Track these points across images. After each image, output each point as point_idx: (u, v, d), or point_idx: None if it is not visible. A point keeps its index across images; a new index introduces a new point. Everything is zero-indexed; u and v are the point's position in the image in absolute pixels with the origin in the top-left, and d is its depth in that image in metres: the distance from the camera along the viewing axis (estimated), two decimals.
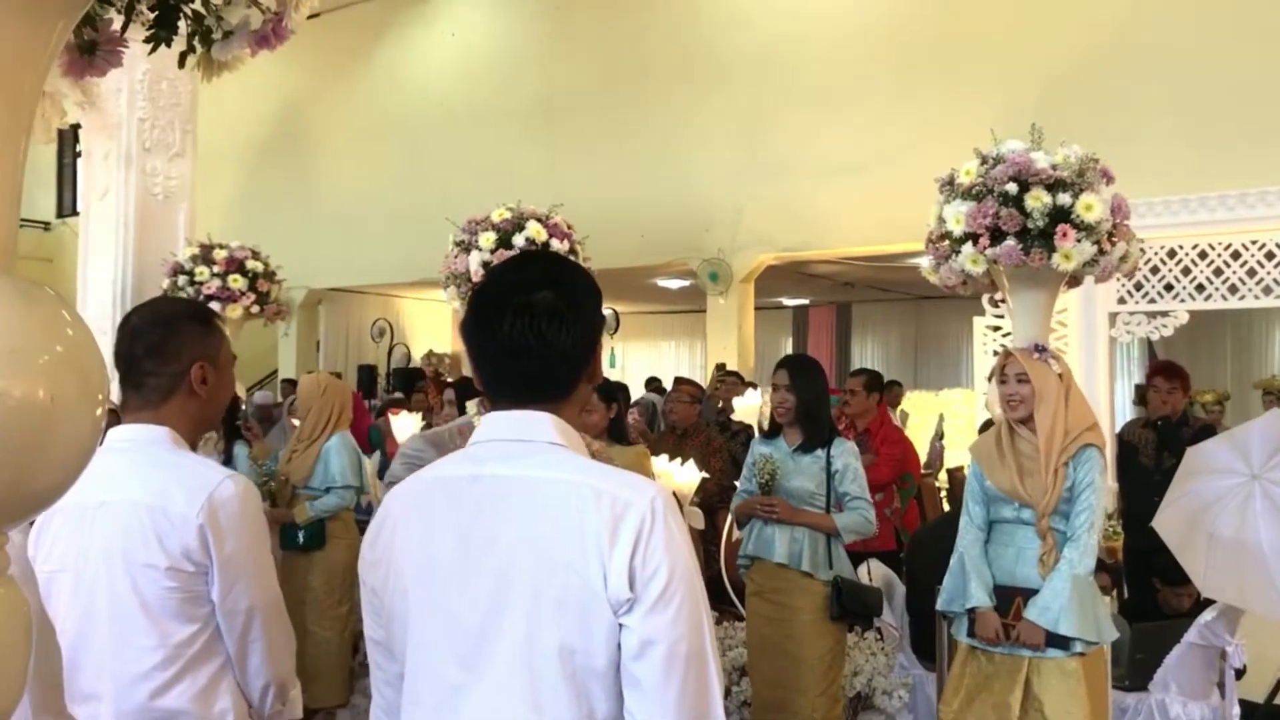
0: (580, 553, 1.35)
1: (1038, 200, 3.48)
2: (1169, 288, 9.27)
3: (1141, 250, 3.73)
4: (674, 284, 13.11)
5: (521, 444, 1.46)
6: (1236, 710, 3.83)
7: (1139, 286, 9.41)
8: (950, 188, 3.76)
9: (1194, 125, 9.00)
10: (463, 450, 1.52)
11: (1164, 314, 9.30)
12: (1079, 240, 3.48)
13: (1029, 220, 3.51)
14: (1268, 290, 8.86)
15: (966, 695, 3.15)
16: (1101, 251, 3.54)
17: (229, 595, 1.90)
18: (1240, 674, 4.47)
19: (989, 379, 3.56)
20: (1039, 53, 9.33)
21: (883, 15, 10.10)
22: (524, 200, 4.99)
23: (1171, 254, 9.26)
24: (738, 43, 10.83)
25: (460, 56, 12.73)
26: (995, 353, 7.45)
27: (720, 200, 10.89)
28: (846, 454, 3.53)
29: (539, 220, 4.72)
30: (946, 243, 3.75)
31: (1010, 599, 3.08)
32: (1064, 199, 3.49)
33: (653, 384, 11.56)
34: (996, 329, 9.21)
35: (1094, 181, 3.54)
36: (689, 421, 5.61)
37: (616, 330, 15.49)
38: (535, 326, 1.45)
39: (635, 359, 16.72)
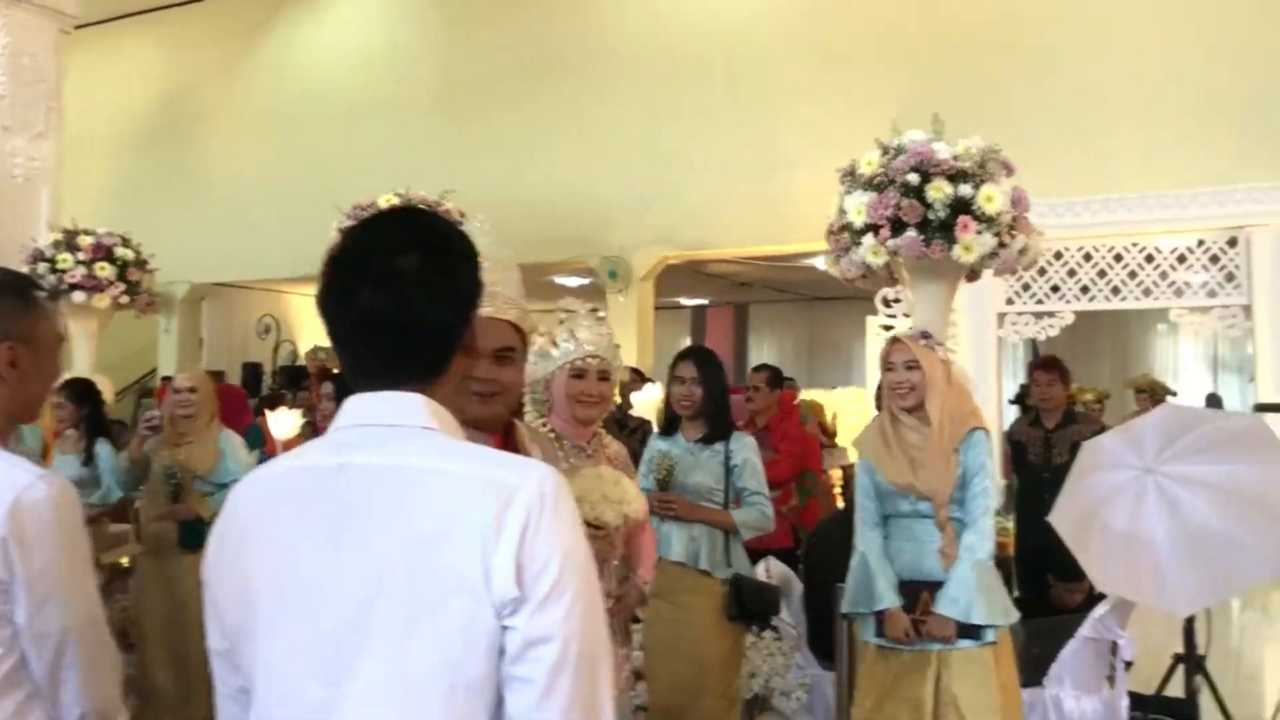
0: (462, 552, 1.19)
1: (939, 191, 3.45)
2: (1055, 289, 9.50)
3: (1039, 240, 3.70)
4: (573, 282, 12.95)
5: (392, 429, 1.29)
6: (1125, 702, 3.85)
7: (1026, 287, 9.61)
8: (851, 178, 3.71)
9: (1080, 129, 9.23)
10: (324, 437, 1.35)
11: (1050, 314, 9.53)
12: (979, 232, 3.45)
13: (930, 211, 3.48)
14: (1147, 292, 9.13)
15: (878, 695, 3.10)
16: (1002, 244, 3.52)
17: (38, 617, 1.63)
18: (1128, 666, 4.54)
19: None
20: (936, 56, 9.46)
21: (786, 16, 10.13)
22: (421, 194, 4.81)
23: (1058, 256, 9.47)
24: (639, 37, 10.74)
25: (354, 45, 12.36)
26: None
27: (621, 197, 10.79)
28: (746, 449, 3.44)
29: (427, 205, 4.52)
30: (847, 234, 3.69)
31: (916, 594, 3.04)
32: (965, 190, 3.47)
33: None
34: (888, 328, 9.30)
35: (995, 173, 3.52)
36: None
37: None
38: (400, 295, 1.29)
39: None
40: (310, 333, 14.49)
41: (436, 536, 1.21)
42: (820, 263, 3.91)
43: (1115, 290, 9.29)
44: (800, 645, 4.07)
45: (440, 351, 1.33)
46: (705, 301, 16.10)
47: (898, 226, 3.51)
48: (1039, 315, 9.59)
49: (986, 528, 3.00)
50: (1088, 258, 9.39)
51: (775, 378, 5.35)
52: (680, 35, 10.52)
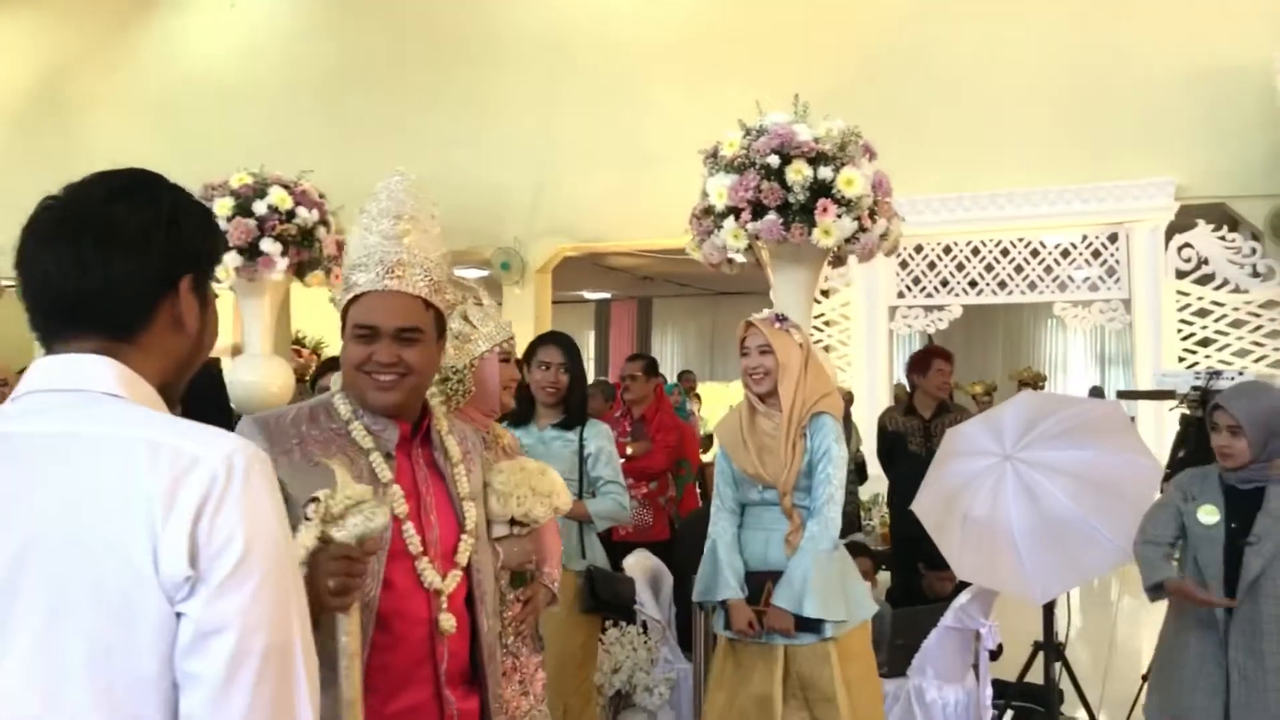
0: (124, 526, 1.04)
1: (798, 173, 3.38)
2: (945, 283, 9.63)
3: (902, 228, 3.65)
4: (471, 274, 12.71)
5: (70, 394, 1.14)
6: (989, 691, 3.85)
7: (917, 281, 9.74)
8: (714, 160, 3.62)
9: (968, 126, 9.33)
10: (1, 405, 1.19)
11: (940, 308, 9.66)
12: (840, 215, 3.39)
13: (790, 194, 3.40)
14: (1033, 286, 9.31)
15: (729, 689, 3.00)
16: (862, 228, 3.46)
17: None
18: (996, 655, 4.55)
19: None
20: (829, 51, 9.47)
21: (684, 6, 10.07)
22: (307, 182, 4.60)
23: (948, 250, 9.61)
24: (534, 25, 10.57)
25: (240, 28, 11.93)
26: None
27: (516, 188, 10.60)
28: (600, 436, 3.31)
29: (284, 186, 4.32)
30: (710, 218, 3.60)
31: (762, 584, 2.93)
32: (825, 173, 3.40)
33: None
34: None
35: (855, 156, 3.46)
36: None
37: None
38: (95, 248, 1.16)
39: None
40: None
41: (92, 505, 1.06)
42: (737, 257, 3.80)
43: (1002, 284, 9.46)
44: (667, 639, 3.97)
45: (129, 314, 1.19)
46: (608, 295, 16.00)
47: (759, 210, 3.42)
48: (928, 309, 9.72)
49: (831, 516, 2.90)
50: (976, 252, 9.54)
51: (651, 366, 5.26)
52: (575, 24, 10.39)
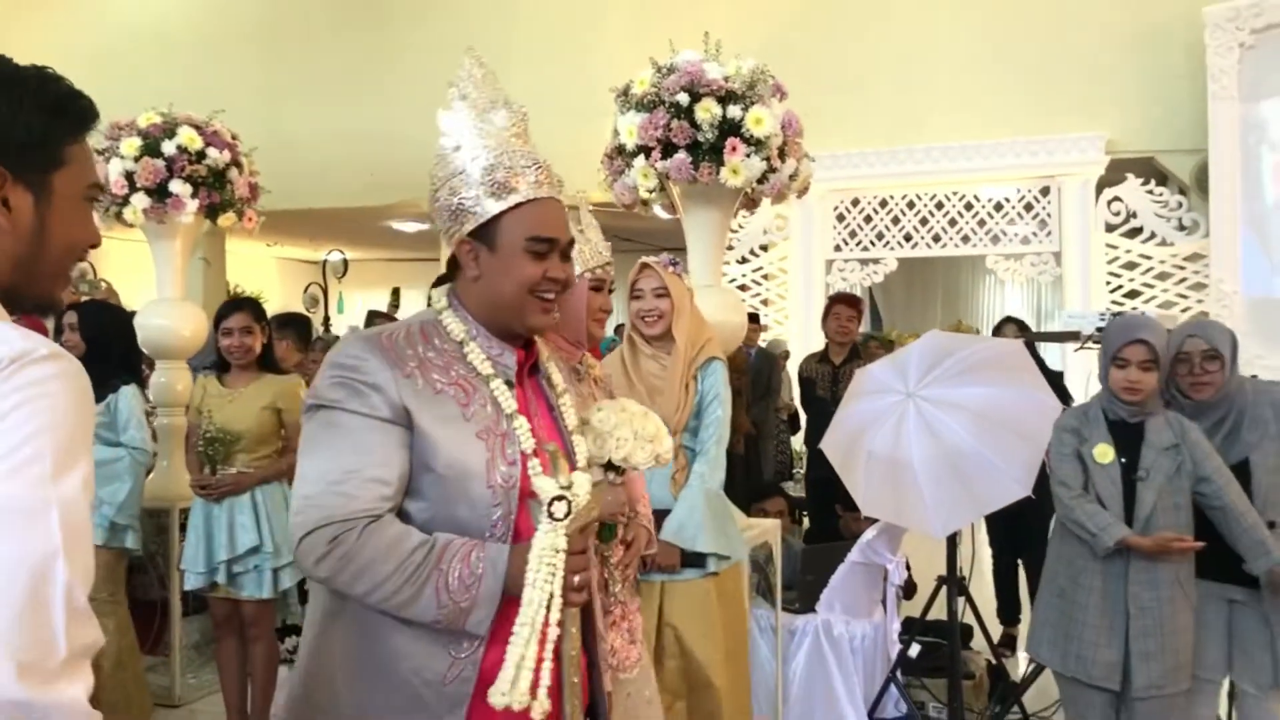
0: None
1: (707, 112, 3.36)
2: (880, 236, 9.70)
3: (810, 165, 3.66)
4: (409, 227, 12.59)
5: None
6: (896, 625, 3.92)
7: (853, 235, 9.79)
8: (625, 98, 3.59)
9: (904, 81, 9.36)
10: None
11: (875, 261, 9.73)
12: (748, 155, 3.38)
13: (699, 133, 3.39)
14: (966, 239, 9.40)
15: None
16: (771, 168, 3.46)
17: None
18: (910, 592, 4.65)
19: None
20: (762, 6, 9.43)
21: None
22: (242, 134, 4.49)
23: (884, 204, 9.67)
24: None
25: None
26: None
27: None
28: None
29: (195, 126, 4.22)
30: (621, 157, 3.59)
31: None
32: (734, 112, 3.39)
33: (376, 317, 11.00)
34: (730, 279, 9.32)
35: (765, 95, 3.45)
36: None
37: (345, 275, 14.79)
38: None
39: (370, 307, 16.09)
40: (131, 277, 13.72)
41: None
42: (661, 210, 3.78)
43: (936, 238, 9.54)
44: None
45: None
46: None
47: (668, 149, 3.41)
48: (865, 262, 9.79)
49: (717, 457, 2.93)
50: (911, 206, 9.61)
51: None
52: None
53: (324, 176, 10.64)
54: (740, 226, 9.48)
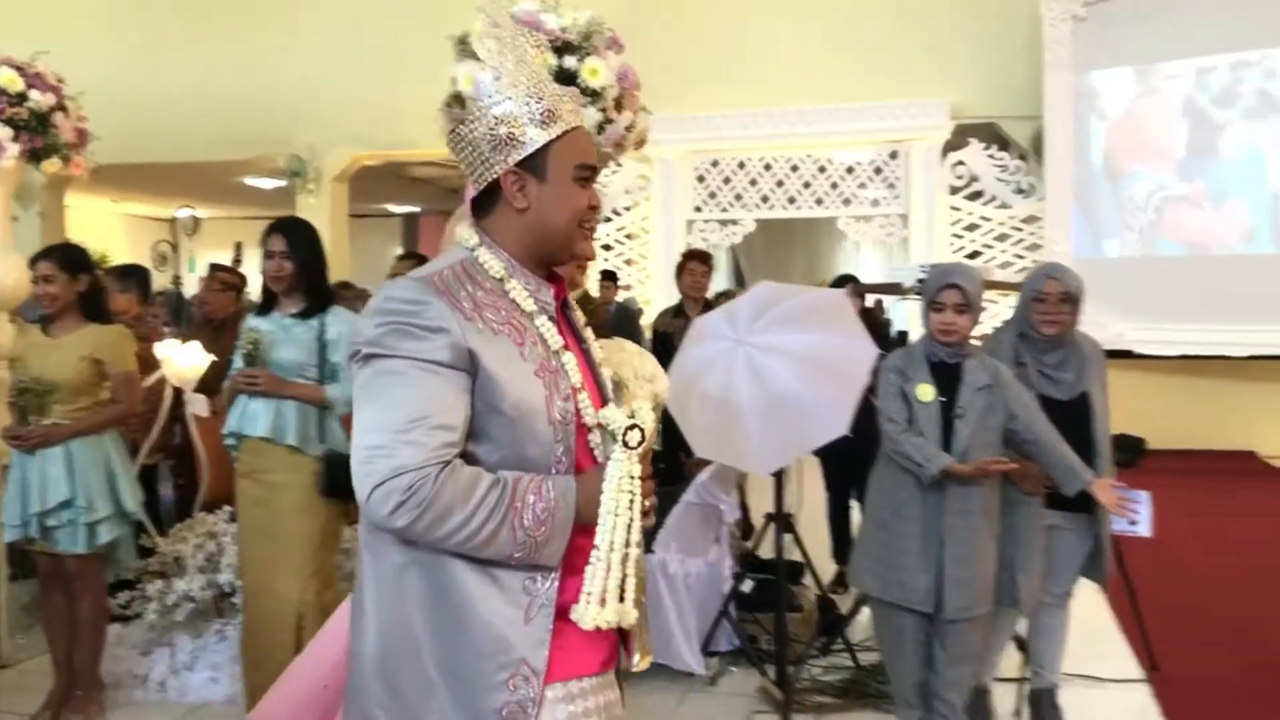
0: None
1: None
2: (739, 197, 9.91)
3: (647, 118, 3.74)
4: (265, 184, 12.23)
5: None
6: (729, 563, 4.09)
7: (713, 196, 9.97)
8: (463, 46, 3.59)
9: (761, 44, 9.53)
10: None
11: (734, 222, 9.94)
12: (584, 106, 3.44)
13: None
14: (820, 202, 9.68)
15: None
16: (608, 120, 3.52)
17: None
18: (748, 533, 4.84)
19: None
20: None
21: None
22: (84, 85, 4.29)
23: (742, 165, 9.87)
24: None
25: None
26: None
27: (308, 91, 10.19)
28: (342, 322, 3.30)
29: (16, 68, 4.04)
30: (458, 106, 3.59)
31: None
32: (570, 62, 3.43)
33: (218, 270, 10.71)
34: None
35: (600, 46, 3.50)
36: (226, 311, 5.13)
37: (195, 232, 14.30)
38: None
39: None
40: None
41: None
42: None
43: (792, 200, 9.80)
44: None
45: None
46: (417, 209, 15.69)
47: None
48: (724, 223, 10.00)
49: None
50: (768, 168, 9.84)
51: (422, 265, 5.20)
52: None
53: (176, 131, 10.24)
54: (603, 185, 9.54)
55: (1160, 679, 3.83)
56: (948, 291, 3.06)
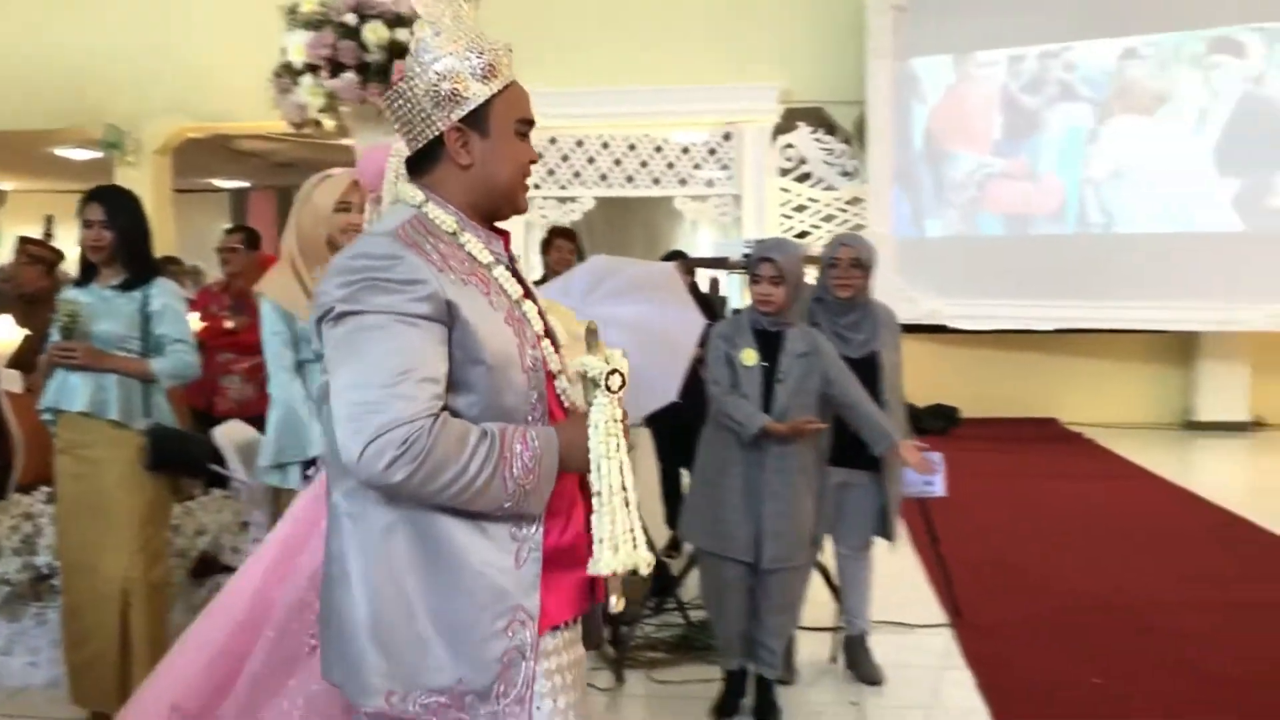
0: None
1: (375, 33, 3.41)
2: (578, 175, 10.00)
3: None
4: (79, 155, 11.60)
5: None
6: None
7: (551, 173, 10.03)
8: (293, 16, 3.57)
9: (602, 24, 9.63)
10: None
11: (573, 199, 10.03)
12: None
13: (367, 54, 3.44)
14: (657, 181, 9.88)
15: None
16: None
17: None
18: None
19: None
20: None
21: None
22: None
23: (580, 144, 9.97)
24: None
25: None
26: None
27: (127, 59, 9.73)
28: (166, 294, 3.22)
29: None
30: (288, 75, 3.57)
31: None
32: (402, 35, 3.46)
33: (27, 244, 10.14)
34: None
35: None
36: (36, 286, 4.90)
37: (1, 205, 13.47)
38: None
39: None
40: None
41: None
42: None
43: (630, 179, 9.97)
44: (261, 503, 4.01)
45: None
46: (247, 184, 15.17)
47: (336, 68, 3.44)
48: (563, 200, 10.08)
49: None
50: (606, 146, 9.97)
51: (251, 239, 5.11)
52: None
53: None
54: None
55: (962, 624, 4.16)
56: (763, 265, 3.28)
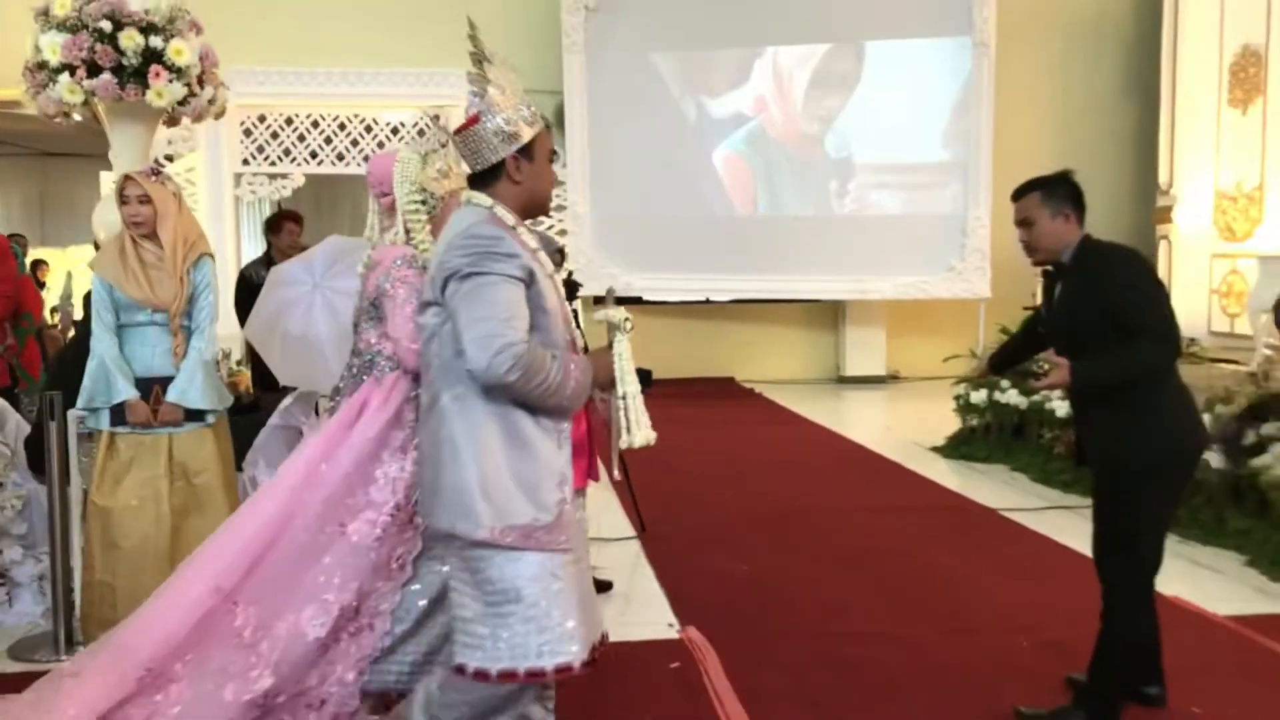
0: None
1: (131, 40, 3.83)
2: (288, 153, 10.25)
3: (228, 95, 4.28)
4: None
5: None
6: None
7: (261, 150, 10.22)
8: (46, 18, 3.91)
9: (313, 4, 9.90)
10: None
11: (284, 176, 10.27)
12: (171, 81, 3.93)
13: (124, 58, 3.85)
14: (367, 159, 10.28)
15: (113, 478, 3.64)
16: (192, 93, 4.03)
17: None
18: None
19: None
20: None
21: None
22: None
23: (290, 121, 10.21)
24: None
25: None
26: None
27: None
28: None
29: None
30: (44, 72, 3.91)
31: (150, 388, 3.62)
32: (156, 42, 3.90)
33: None
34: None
35: (184, 30, 3.99)
36: None
37: None
38: None
39: None
40: None
41: None
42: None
43: (340, 157, 10.34)
44: (16, 465, 4.31)
45: None
46: None
47: (94, 69, 3.83)
48: (273, 177, 10.28)
49: (210, 334, 3.74)
50: (316, 125, 10.27)
51: None
52: None
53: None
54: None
55: (647, 537, 5.13)
56: None
